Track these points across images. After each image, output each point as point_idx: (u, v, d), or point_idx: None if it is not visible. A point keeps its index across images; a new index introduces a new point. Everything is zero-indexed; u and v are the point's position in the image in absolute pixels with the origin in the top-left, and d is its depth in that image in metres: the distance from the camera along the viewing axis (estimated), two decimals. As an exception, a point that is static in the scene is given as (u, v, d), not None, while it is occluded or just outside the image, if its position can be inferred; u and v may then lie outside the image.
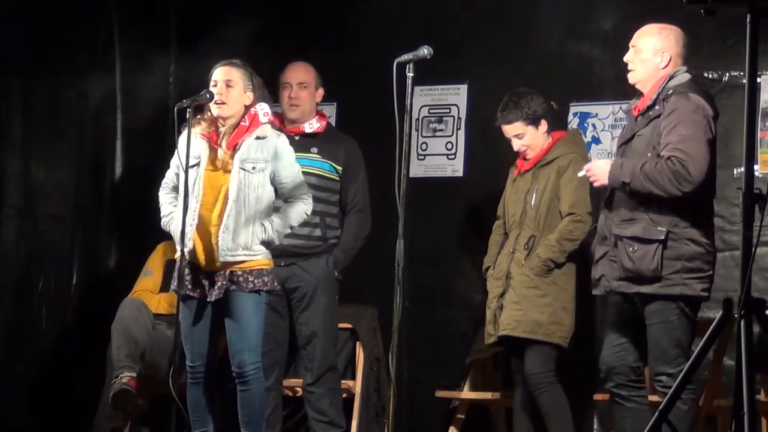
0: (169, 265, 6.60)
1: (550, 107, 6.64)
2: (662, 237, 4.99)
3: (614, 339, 5.22)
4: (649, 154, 5.04)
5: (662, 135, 5.01)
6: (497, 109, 6.08)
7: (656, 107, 5.10)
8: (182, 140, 5.31)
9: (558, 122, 6.82)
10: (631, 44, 5.28)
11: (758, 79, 4.55)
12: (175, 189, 5.47)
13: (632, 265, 5.03)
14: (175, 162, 5.44)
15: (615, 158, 5.19)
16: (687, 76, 5.16)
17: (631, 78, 5.26)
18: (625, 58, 5.27)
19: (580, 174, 5.32)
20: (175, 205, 5.42)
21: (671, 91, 5.08)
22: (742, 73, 6.41)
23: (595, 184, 5.21)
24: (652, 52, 5.19)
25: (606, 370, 5.20)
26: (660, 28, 5.24)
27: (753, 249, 3.72)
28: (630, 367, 5.19)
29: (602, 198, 5.29)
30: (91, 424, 6.53)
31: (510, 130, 6.02)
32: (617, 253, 5.09)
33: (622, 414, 5.23)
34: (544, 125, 6.04)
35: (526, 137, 6.02)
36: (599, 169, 5.15)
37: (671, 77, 5.15)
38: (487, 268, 6.11)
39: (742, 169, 3.91)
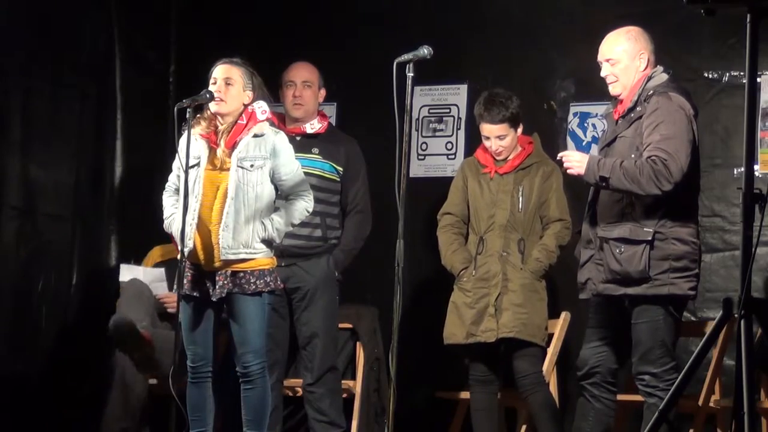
0: (168, 266, 6.59)
1: (549, 107, 6.63)
2: (649, 237, 4.99)
3: (596, 339, 5.23)
4: (632, 156, 5.03)
5: (644, 135, 5.01)
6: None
7: (638, 108, 5.10)
8: (183, 141, 5.31)
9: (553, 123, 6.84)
10: (602, 59, 5.25)
11: (758, 79, 4.52)
12: (178, 191, 5.45)
13: (620, 267, 5.02)
14: (177, 164, 5.44)
15: (593, 153, 5.17)
16: (665, 76, 5.17)
17: (614, 90, 5.23)
18: (603, 74, 5.25)
19: (559, 156, 5.26)
20: (177, 207, 5.41)
21: (651, 92, 5.09)
22: (742, 73, 6.41)
23: (568, 171, 5.17)
24: (630, 58, 5.18)
25: (586, 368, 5.21)
26: (626, 32, 5.24)
27: (753, 249, 3.72)
28: (609, 369, 5.20)
29: (586, 201, 5.28)
30: (94, 424, 6.51)
31: (495, 130, 5.95)
32: (603, 255, 5.08)
33: (586, 411, 5.24)
34: (520, 128, 6.03)
35: (507, 138, 5.98)
36: (574, 157, 5.12)
37: (650, 78, 5.14)
38: (465, 269, 6.02)
39: (742, 169, 3.91)
